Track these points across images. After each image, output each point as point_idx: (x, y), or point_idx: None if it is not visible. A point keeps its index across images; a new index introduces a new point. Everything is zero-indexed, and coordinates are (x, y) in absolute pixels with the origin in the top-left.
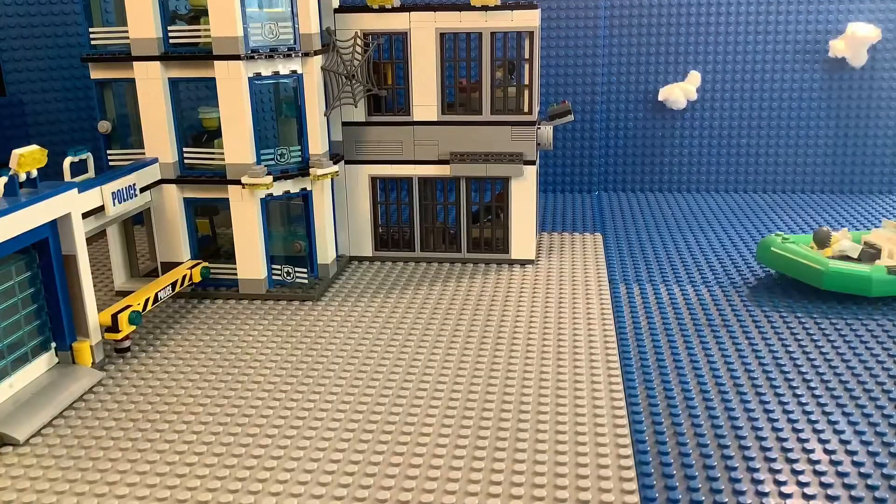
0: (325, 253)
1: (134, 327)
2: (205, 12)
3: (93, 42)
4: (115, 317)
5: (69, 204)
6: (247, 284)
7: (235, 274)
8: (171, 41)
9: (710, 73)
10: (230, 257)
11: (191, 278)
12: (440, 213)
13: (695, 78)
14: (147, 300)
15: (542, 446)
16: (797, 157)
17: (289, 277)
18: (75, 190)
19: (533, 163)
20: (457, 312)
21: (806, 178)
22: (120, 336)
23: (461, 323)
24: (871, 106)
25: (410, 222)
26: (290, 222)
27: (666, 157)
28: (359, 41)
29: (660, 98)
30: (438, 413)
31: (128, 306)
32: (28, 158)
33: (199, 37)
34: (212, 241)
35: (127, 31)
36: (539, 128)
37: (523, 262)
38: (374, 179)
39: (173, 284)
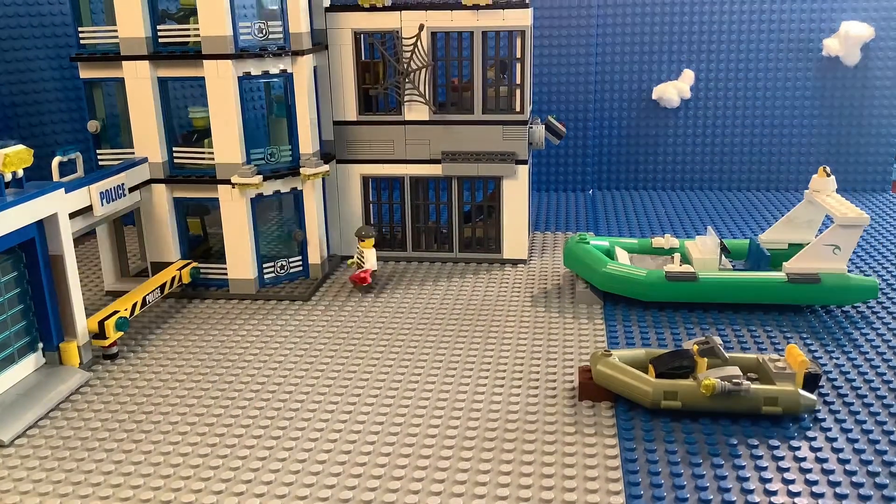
0: (316, 252)
1: (121, 333)
2: (194, 11)
3: (82, 41)
4: (101, 323)
5: (56, 204)
6: (237, 284)
7: (226, 274)
8: (160, 40)
9: (703, 72)
10: (221, 257)
11: (180, 279)
12: (432, 213)
13: (688, 76)
14: (135, 304)
15: (529, 447)
16: (791, 155)
17: (283, 271)
18: (62, 190)
19: (525, 162)
20: (447, 312)
21: (800, 176)
22: (107, 343)
23: (451, 323)
24: (864, 104)
25: (402, 222)
26: (282, 221)
27: (660, 155)
28: (422, 40)
29: (654, 96)
30: (426, 413)
31: (115, 312)
32: (14, 158)
33: (188, 36)
34: (203, 240)
35: (116, 31)
36: (531, 127)
37: (515, 262)
38: (365, 179)
39: (162, 287)
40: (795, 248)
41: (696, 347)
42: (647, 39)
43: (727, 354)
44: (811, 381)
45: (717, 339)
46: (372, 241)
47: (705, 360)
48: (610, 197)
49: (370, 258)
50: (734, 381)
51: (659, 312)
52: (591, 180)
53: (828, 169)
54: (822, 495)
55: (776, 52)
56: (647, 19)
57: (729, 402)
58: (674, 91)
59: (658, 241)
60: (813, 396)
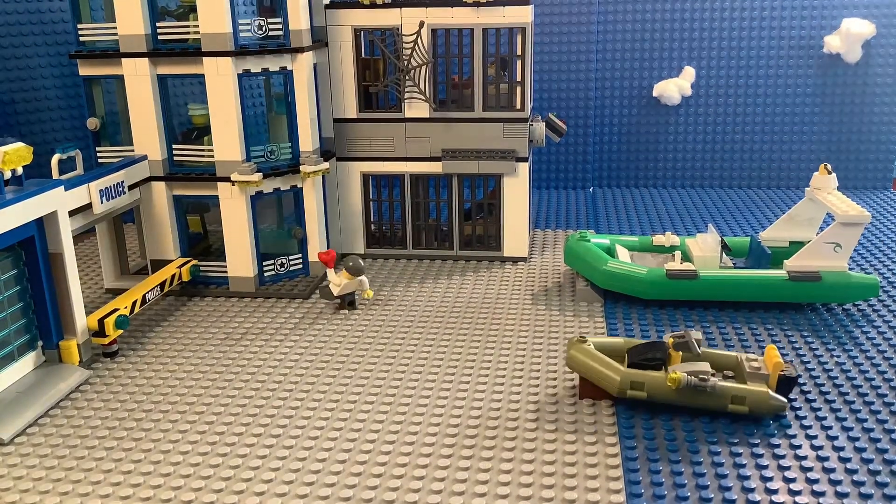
0: (316, 250)
1: (121, 331)
2: (194, 8)
3: (81, 39)
4: (101, 321)
5: (55, 202)
6: (237, 282)
7: (226, 271)
8: (159, 37)
9: (704, 69)
10: (221, 255)
11: (180, 277)
12: (432, 211)
13: (689, 73)
14: (135, 302)
15: (529, 445)
16: (791, 152)
17: (282, 269)
18: (61, 188)
19: (525, 159)
20: (447, 310)
21: (801, 173)
22: (107, 341)
23: (451, 321)
24: (865, 101)
25: (402, 220)
26: (281, 218)
27: (660, 152)
28: (422, 37)
29: (654, 94)
30: (426, 412)
31: (115, 310)
32: (13, 156)
33: (187, 33)
34: (203, 238)
35: (115, 28)
36: (531, 124)
37: (516, 260)
38: (365, 176)
39: (161, 285)
40: (796, 245)
41: (671, 340)
42: (648, 37)
43: (704, 350)
44: (785, 384)
45: (697, 335)
46: (353, 278)
47: (679, 353)
48: (611, 195)
49: (340, 280)
50: (701, 376)
51: (660, 310)
52: (591, 178)
53: (829, 166)
54: (823, 494)
55: (777, 50)
56: (648, 16)
57: (695, 397)
58: (674, 88)
59: (659, 239)
60: (783, 399)
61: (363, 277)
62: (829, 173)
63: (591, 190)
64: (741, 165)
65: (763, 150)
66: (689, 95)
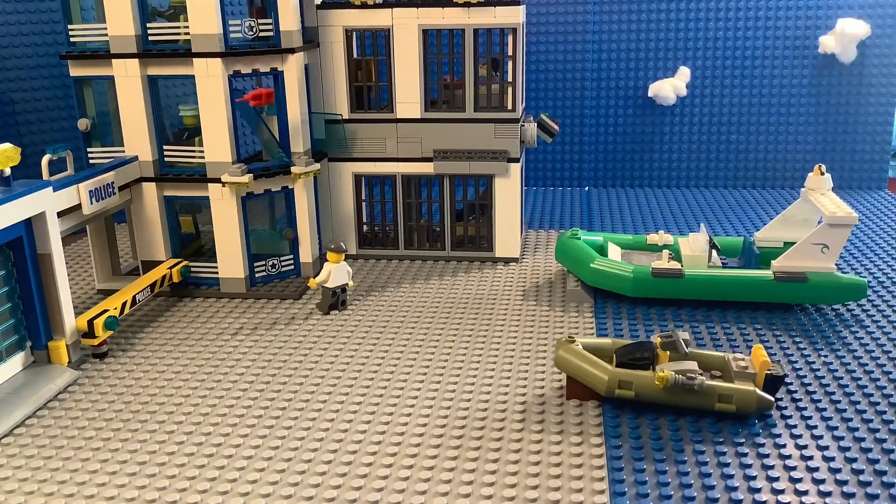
0: (307, 251)
1: (111, 332)
2: (184, 9)
3: (72, 39)
4: (91, 322)
5: (44, 202)
6: (228, 283)
7: (216, 272)
8: (150, 38)
9: (699, 69)
10: (213, 255)
11: (171, 278)
12: (424, 211)
13: (684, 74)
14: (124, 303)
15: (515, 446)
16: (787, 152)
17: (274, 270)
18: (50, 188)
19: (517, 160)
20: (438, 311)
21: (796, 174)
22: (96, 342)
23: (441, 321)
24: (860, 102)
25: (394, 220)
26: (273, 219)
27: (655, 152)
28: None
29: (649, 94)
30: (414, 412)
31: (104, 311)
32: (1, 157)
33: (178, 34)
34: (195, 239)
35: (106, 29)
36: (523, 125)
37: (507, 261)
38: (357, 177)
39: (152, 286)
40: (790, 246)
41: (659, 340)
42: (644, 37)
43: (692, 350)
44: (772, 383)
45: (684, 335)
46: (341, 256)
47: (667, 353)
48: (605, 194)
49: (328, 269)
50: (689, 375)
51: (649, 310)
52: (586, 177)
53: (823, 167)
54: (805, 493)
55: (772, 50)
56: (644, 16)
57: (682, 395)
58: (670, 88)
59: (653, 238)
60: (769, 397)
61: (349, 268)
62: (823, 174)
63: (586, 190)
64: (736, 165)
65: (758, 151)
66: (685, 95)
